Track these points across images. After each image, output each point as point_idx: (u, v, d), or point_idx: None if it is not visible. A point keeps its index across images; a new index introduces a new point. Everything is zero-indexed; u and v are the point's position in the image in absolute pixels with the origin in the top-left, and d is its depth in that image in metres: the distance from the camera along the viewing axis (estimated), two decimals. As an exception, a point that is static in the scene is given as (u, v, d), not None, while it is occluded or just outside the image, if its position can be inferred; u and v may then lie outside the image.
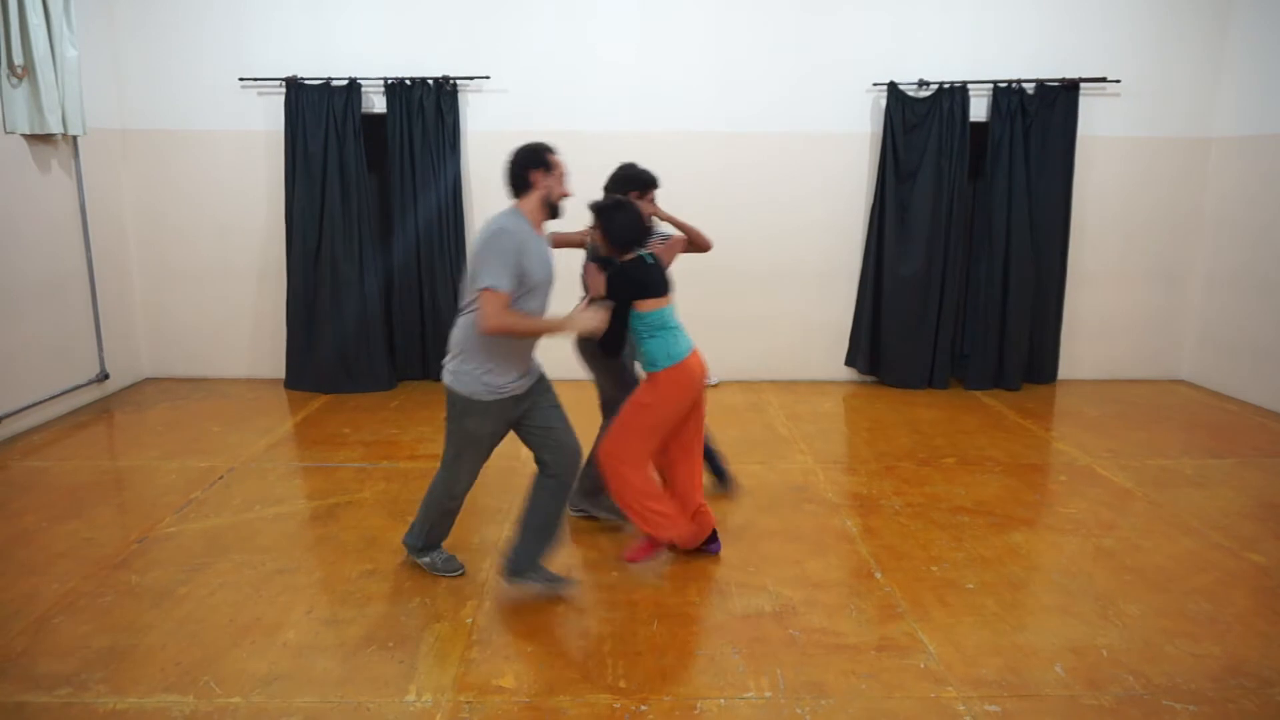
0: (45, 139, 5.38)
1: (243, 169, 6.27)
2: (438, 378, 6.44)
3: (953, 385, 6.56)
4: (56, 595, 3.28)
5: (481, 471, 3.29)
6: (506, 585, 3.27)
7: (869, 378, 6.63)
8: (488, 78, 6.15)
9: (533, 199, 3.03)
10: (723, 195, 6.26)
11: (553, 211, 3.07)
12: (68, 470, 4.61)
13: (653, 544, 3.54)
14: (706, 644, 3.01)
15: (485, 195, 6.30)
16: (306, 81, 6.01)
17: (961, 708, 2.67)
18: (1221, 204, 6.37)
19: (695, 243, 3.88)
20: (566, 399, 3.35)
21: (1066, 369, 6.64)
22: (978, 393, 6.39)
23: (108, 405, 5.84)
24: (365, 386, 6.25)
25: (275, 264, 6.34)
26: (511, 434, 3.24)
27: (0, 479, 4.48)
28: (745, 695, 2.72)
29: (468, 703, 2.67)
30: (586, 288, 3.54)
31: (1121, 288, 6.60)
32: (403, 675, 2.80)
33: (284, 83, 6.03)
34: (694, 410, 3.46)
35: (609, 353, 3.31)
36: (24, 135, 5.19)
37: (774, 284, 6.51)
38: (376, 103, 6.18)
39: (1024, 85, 6.15)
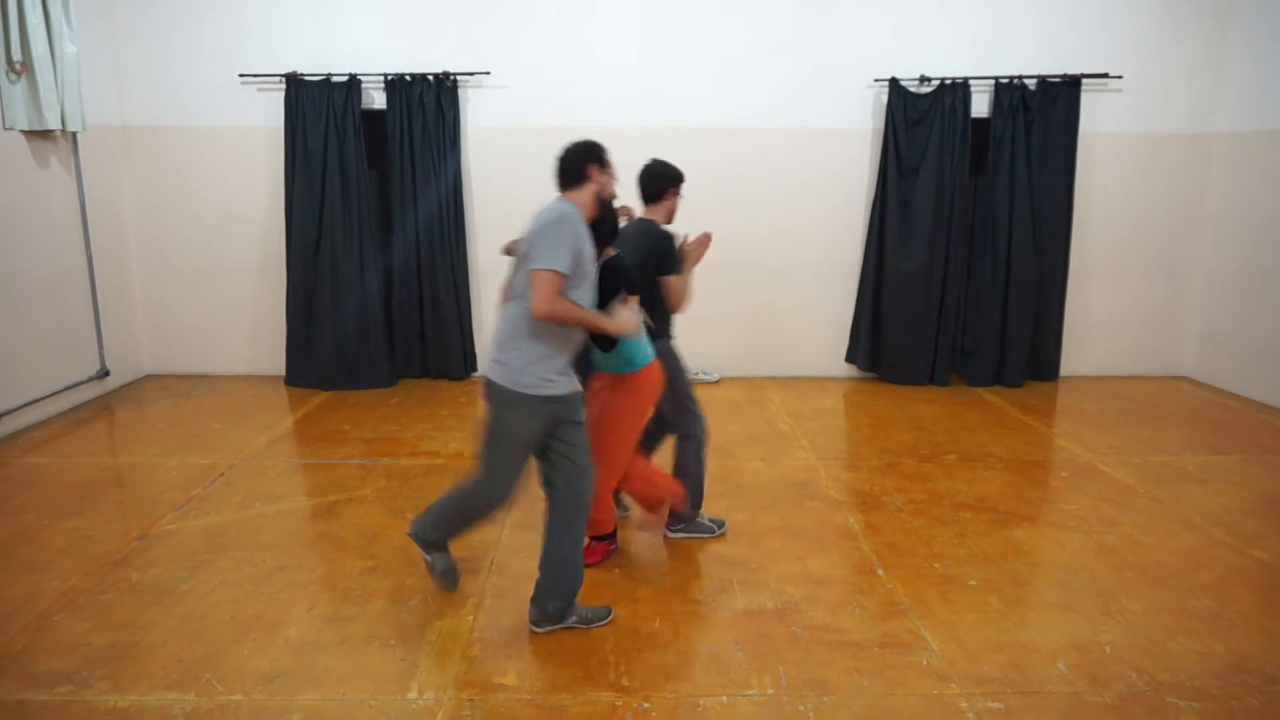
0: (45, 135, 5.37)
1: (243, 165, 6.25)
2: (437, 374, 6.45)
3: (954, 381, 6.55)
4: (57, 592, 3.28)
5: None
6: (541, 632, 3.05)
7: (870, 374, 6.62)
8: (488, 73, 6.13)
9: (586, 192, 3.00)
10: (724, 190, 6.24)
11: (602, 207, 3.07)
12: (68, 467, 4.60)
13: (605, 546, 3.59)
14: (709, 641, 3.01)
15: (485, 191, 6.30)
16: (306, 77, 5.99)
17: (964, 705, 2.66)
18: (1223, 200, 6.36)
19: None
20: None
21: (1068, 365, 6.62)
22: (979, 389, 6.38)
23: (108, 402, 5.84)
24: (365, 383, 6.24)
25: (275, 260, 6.33)
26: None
27: (1, 476, 4.47)
28: (748, 692, 2.72)
29: (469, 700, 2.66)
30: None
31: (1123, 283, 6.59)
32: (404, 673, 2.80)
33: (284, 79, 6.01)
34: None
35: (604, 348, 3.32)
36: (23, 132, 5.18)
37: (775, 280, 6.49)
38: (376, 99, 6.16)
39: (1026, 81, 6.13)
